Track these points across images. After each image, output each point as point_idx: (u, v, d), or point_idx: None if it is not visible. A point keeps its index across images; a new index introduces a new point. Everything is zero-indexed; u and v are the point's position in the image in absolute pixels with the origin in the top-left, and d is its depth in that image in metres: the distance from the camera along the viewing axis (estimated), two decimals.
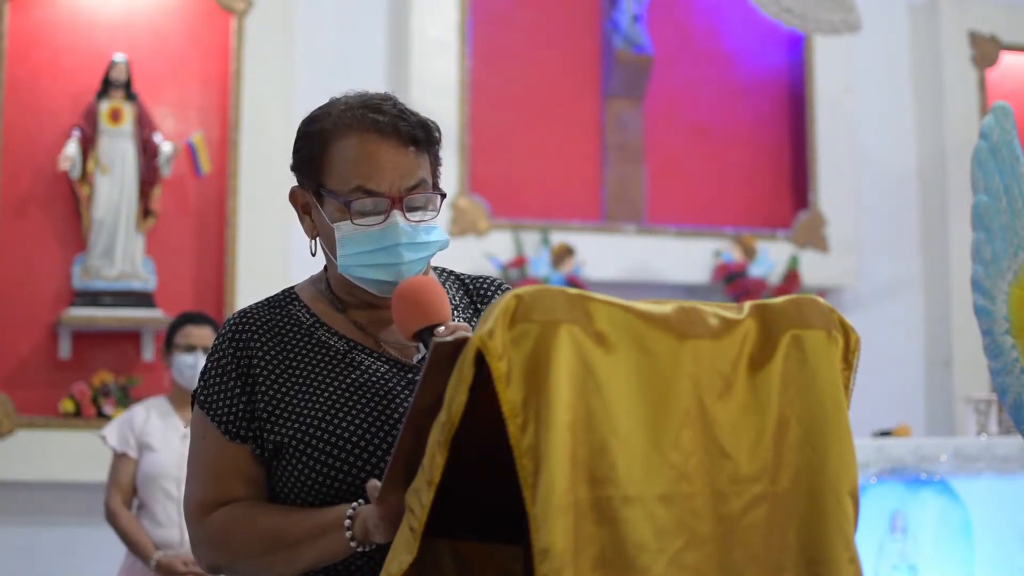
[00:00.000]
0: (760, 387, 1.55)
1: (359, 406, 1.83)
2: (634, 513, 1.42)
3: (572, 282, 6.25)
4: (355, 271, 1.87)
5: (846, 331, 1.62)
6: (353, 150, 1.85)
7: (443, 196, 1.92)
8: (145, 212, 5.92)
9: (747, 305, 1.59)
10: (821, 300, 1.63)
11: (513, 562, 1.67)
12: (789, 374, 1.56)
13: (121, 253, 5.83)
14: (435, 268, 2.04)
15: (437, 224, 1.90)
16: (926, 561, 4.80)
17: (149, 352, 5.89)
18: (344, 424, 1.82)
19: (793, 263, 6.83)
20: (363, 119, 1.85)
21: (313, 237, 1.94)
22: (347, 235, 1.86)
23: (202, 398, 1.91)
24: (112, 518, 4.36)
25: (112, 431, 4.46)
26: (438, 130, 1.92)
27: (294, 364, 1.88)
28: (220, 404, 1.88)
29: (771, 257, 6.77)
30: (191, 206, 6.09)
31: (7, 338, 5.81)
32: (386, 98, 1.90)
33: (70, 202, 5.91)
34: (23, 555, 5.72)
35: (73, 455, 5.61)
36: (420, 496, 1.49)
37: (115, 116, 5.89)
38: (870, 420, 5.73)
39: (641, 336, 1.47)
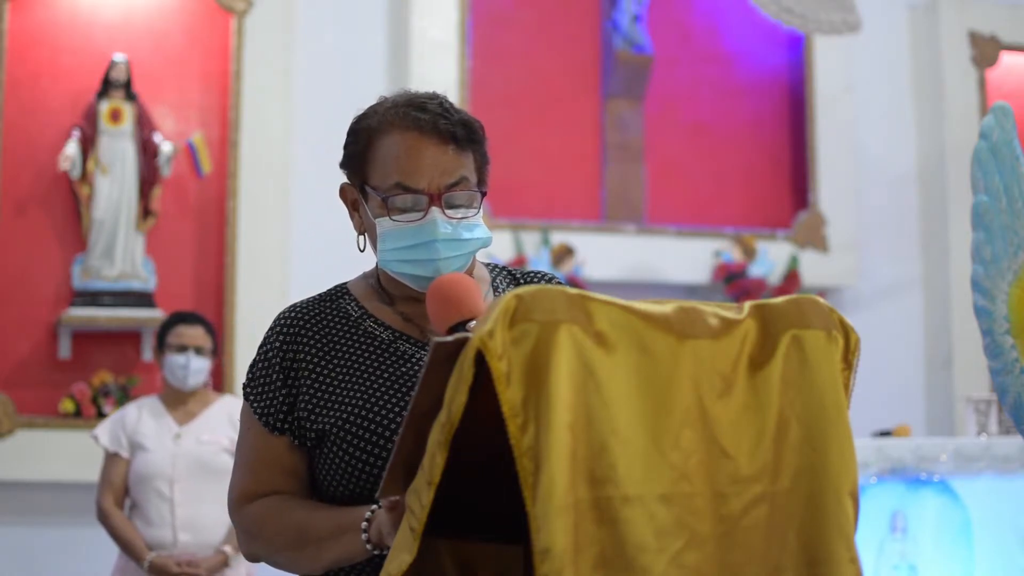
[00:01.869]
0: (760, 387, 1.55)
1: (399, 395, 1.86)
2: (634, 513, 1.42)
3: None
4: (394, 266, 1.91)
5: (846, 331, 1.62)
6: (394, 147, 1.89)
7: (483, 194, 1.95)
8: (145, 212, 5.92)
9: (747, 305, 1.58)
10: (821, 300, 1.63)
11: (513, 562, 1.67)
12: (789, 374, 1.56)
13: (121, 253, 5.83)
14: (487, 264, 2.08)
15: (479, 221, 1.93)
16: (926, 561, 4.80)
17: (149, 352, 5.89)
18: (385, 412, 1.85)
19: (793, 263, 6.83)
20: (405, 117, 1.90)
21: (361, 233, 1.98)
22: (387, 230, 1.90)
23: (248, 390, 1.96)
24: (104, 518, 4.35)
25: (104, 431, 4.45)
26: (482, 129, 1.96)
27: (340, 354, 1.92)
28: (262, 396, 1.93)
29: (771, 257, 6.77)
30: (191, 206, 6.09)
31: (7, 338, 5.81)
32: (432, 97, 1.94)
33: (70, 202, 5.91)
34: (23, 555, 5.72)
35: (73, 455, 5.61)
36: (420, 496, 1.49)
37: (115, 116, 5.89)
38: (870, 420, 5.73)
39: (641, 336, 1.47)
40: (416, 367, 1.89)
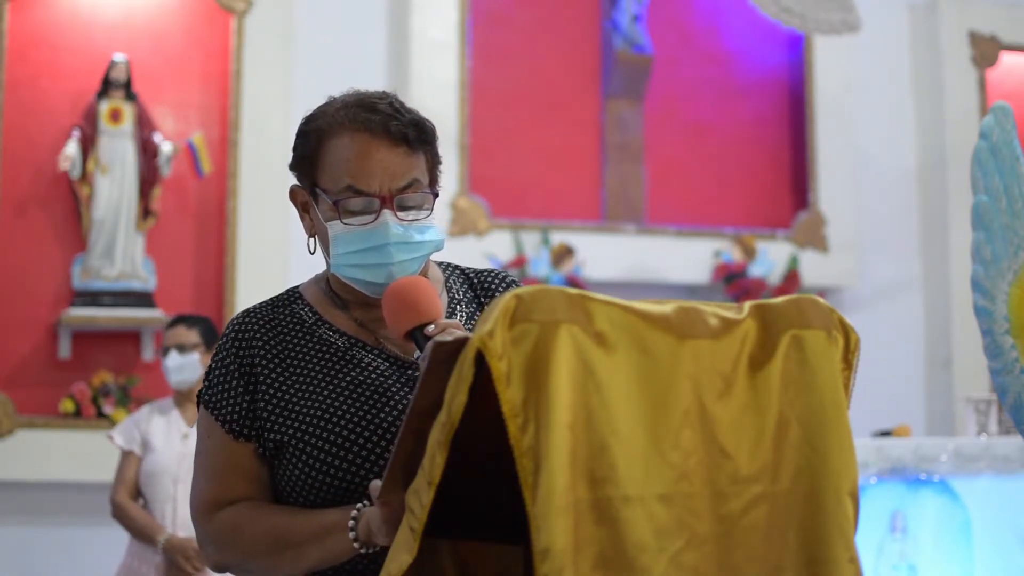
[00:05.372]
0: (760, 387, 1.55)
1: (357, 404, 1.83)
2: (634, 513, 1.41)
3: (572, 282, 6.25)
4: (346, 271, 1.88)
5: (846, 331, 1.62)
6: (344, 150, 1.85)
7: (435, 196, 1.91)
8: (145, 212, 5.92)
9: (747, 305, 1.58)
10: (821, 300, 1.63)
11: (513, 562, 1.67)
12: (789, 374, 1.56)
13: (121, 253, 5.84)
14: (440, 263, 2.05)
15: (433, 224, 1.89)
16: (926, 561, 4.80)
17: (149, 352, 5.89)
18: (343, 423, 1.82)
19: (793, 263, 6.83)
20: (355, 118, 1.85)
21: (312, 235, 1.94)
22: (338, 234, 1.86)
23: (206, 398, 1.92)
24: (119, 510, 4.41)
25: (119, 431, 4.54)
26: (433, 129, 1.91)
27: (295, 362, 1.89)
28: (224, 403, 1.89)
29: (771, 257, 6.77)
30: (191, 206, 6.09)
31: (7, 338, 5.81)
32: (383, 96, 1.89)
33: (70, 202, 5.91)
34: (23, 555, 5.72)
35: (73, 455, 5.61)
36: (420, 496, 1.49)
37: (115, 116, 5.89)
38: (870, 420, 5.72)
39: (641, 336, 1.47)
40: (372, 375, 1.87)
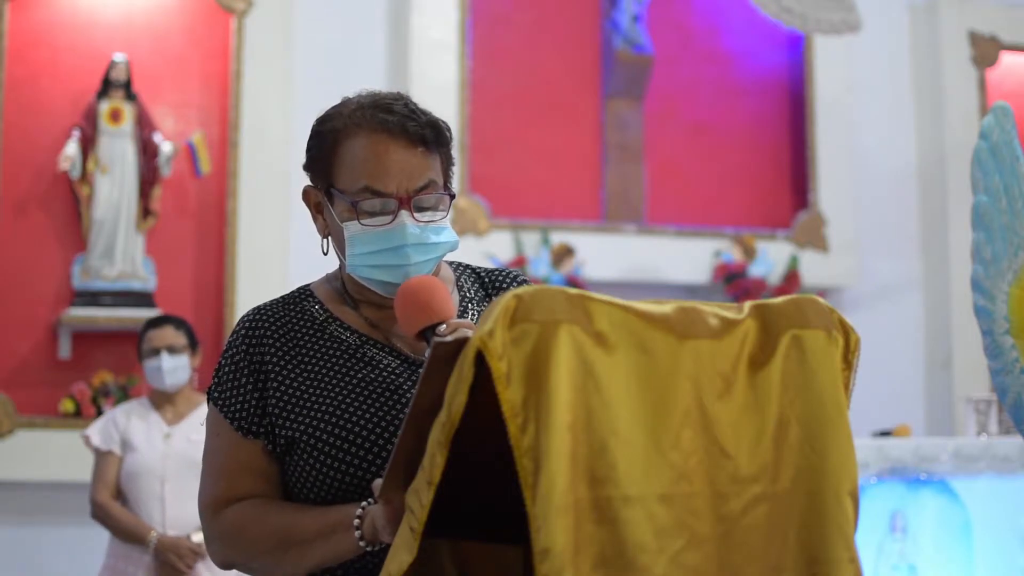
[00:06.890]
0: (760, 387, 1.55)
1: (368, 402, 1.84)
2: (634, 513, 1.41)
3: (572, 282, 6.25)
4: (362, 271, 1.88)
5: (846, 331, 1.62)
6: (362, 150, 1.85)
7: (452, 197, 1.92)
8: (145, 212, 5.92)
9: (747, 305, 1.58)
10: (821, 300, 1.63)
11: (513, 562, 1.67)
12: (789, 374, 1.56)
13: (121, 253, 5.83)
14: (450, 263, 2.05)
15: (447, 224, 1.90)
16: (926, 561, 4.80)
17: None
18: (354, 420, 1.82)
19: (793, 263, 6.83)
20: (373, 119, 1.86)
21: (325, 236, 1.95)
22: (355, 235, 1.86)
23: (216, 395, 1.92)
24: (101, 510, 4.38)
25: (95, 431, 4.48)
26: (448, 130, 1.92)
27: (306, 359, 1.89)
28: (233, 400, 1.90)
29: (771, 257, 6.77)
30: (191, 206, 6.09)
31: (7, 338, 5.81)
32: (397, 98, 1.90)
33: (70, 202, 5.91)
34: (23, 555, 5.72)
35: (73, 455, 5.60)
36: (420, 496, 1.49)
37: (115, 116, 5.89)
38: (870, 420, 5.73)
39: (641, 336, 1.47)
40: (383, 373, 1.87)
